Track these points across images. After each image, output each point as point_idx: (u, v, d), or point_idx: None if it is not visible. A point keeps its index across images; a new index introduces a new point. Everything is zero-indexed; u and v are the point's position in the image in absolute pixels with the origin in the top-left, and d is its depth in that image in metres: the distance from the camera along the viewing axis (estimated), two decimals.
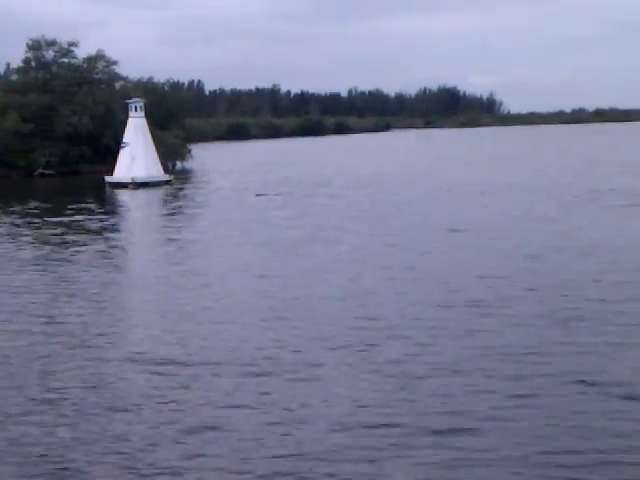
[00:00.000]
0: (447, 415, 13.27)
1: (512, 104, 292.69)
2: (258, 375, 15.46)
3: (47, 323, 20.17)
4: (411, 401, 13.93)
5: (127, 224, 43.59)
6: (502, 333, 17.84)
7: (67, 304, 22.29)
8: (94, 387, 15.18)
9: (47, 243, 34.50)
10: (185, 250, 31.50)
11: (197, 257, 29.85)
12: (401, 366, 15.70)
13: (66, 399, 14.55)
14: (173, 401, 14.28)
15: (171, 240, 34.44)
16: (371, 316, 19.66)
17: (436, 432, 12.65)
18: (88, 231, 38.04)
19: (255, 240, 32.75)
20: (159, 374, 15.79)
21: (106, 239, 35.46)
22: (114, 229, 39.52)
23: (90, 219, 42.61)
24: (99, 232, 37.66)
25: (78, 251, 31.72)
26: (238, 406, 13.95)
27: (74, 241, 34.61)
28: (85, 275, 26.53)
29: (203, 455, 12.10)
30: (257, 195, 51.72)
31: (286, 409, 13.77)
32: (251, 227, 36.90)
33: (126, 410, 13.96)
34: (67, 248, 32.68)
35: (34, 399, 14.59)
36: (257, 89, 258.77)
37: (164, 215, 46.10)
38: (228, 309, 21.08)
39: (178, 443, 12.54)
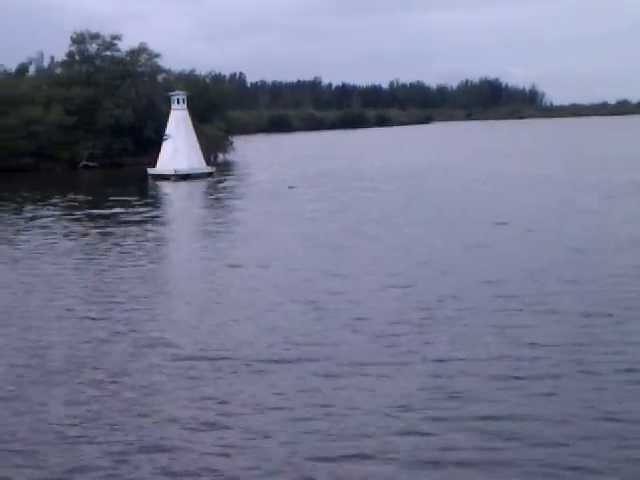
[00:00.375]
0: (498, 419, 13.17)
1: (554, 96, 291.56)
2: (314, 373, 15.21)
3: (90, 312, 20.39)
4: (453, 398, 13.82)
5: (169, 216, 43.80)
6: (545, 326, 17.68)
7: (108, 294, 22.50)
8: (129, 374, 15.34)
9: (90, 235, 34.81)
10: (226, 242, 31.61)
11: (238, 249, 29.88)
12: (444, 363, 15.52)
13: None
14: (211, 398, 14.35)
15: (212, 232, 34.59)
16: (414, 310, 19.50)
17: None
18: (131, 223, 38.29)
19: (296, 232, 32.73)
20: (194, 369, 15.85)
21: (149, 230, 35.69)
22: (157, 221, 39.75)
23: (133, 211, 42.89)
24: (142, 224, 37.90)
25: (120, 242, 31.94)
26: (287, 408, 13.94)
27: (117, 232, 34.84)
28: (127, 266, 26.75)
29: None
30: (290, 187, 51.80)
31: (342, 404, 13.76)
32: (291, 220, 36.92)
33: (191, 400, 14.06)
34: (110, 239, 32.91)
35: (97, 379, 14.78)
36: (299, 81, 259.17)
37: (205, 207, 46.34)
38: (270, 302, 20.94)
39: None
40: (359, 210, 39.64)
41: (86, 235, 34.62)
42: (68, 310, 20.81)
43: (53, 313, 20.54)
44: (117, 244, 31.64)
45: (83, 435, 12.66)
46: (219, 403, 13.81)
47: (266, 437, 12.37)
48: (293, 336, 17.55)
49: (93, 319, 19.81)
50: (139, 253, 29.47)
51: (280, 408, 13.48)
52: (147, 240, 32.72)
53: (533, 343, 16.51)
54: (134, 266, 26.81)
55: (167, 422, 13.07)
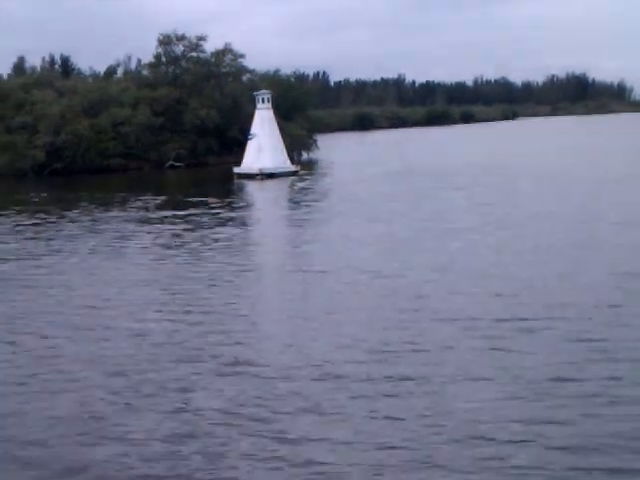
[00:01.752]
0: None
1: None
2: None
3: (181, 309, 20.84)
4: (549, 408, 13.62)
5: (255, 214, 44.29)
6: None
7: (195, 292, 22.94)
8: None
9: (178, 234, 35.47)
10: (311, 241, 31.78)
11: (324, 249, 30.01)
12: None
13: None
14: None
15: (298, 231, 34.88)
16: (521, 316, 18.74)
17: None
18: (217, 221, 38.85)
19: (381, 232, 32.63)
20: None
21: (235, 228, 36.19)
22: (243, 220, 40.22)
23: (220, 210, 43.47)
24: (228, 222, 38.41)
25: (207, 241, 32.49)
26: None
27: (204, 231, 35.43)
28: (213, 265, 27.15)
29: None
30: (373, 184, 51.97)
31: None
32: (377, 218, 36.90)
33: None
34: (196, 237, 33.51)
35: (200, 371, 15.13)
36: (382, 79, 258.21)
37: (291, 206, 46.69)
38: (355, 306, 20.95)
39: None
40: (446, 209, 39.52)
41: (177, 234, 35.23)
42: (162, 307, 21.32)
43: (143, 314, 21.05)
44: (204, 242, 32.16)
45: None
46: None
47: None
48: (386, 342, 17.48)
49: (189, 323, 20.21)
50: (226, 251, 29.91)
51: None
52: (234, 239, 33.17)
53: None
54: (220, 265, 27.22)
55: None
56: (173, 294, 22.82)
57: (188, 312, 20.53)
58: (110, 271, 26.79)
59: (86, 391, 14.93)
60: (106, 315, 20.56)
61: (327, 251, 29.31)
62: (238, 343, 17.54)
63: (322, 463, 11.69)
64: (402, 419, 13.03)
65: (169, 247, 31.63)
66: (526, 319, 18.39)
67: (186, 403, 14.15)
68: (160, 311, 20.87)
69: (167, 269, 26.99)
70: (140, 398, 14.43)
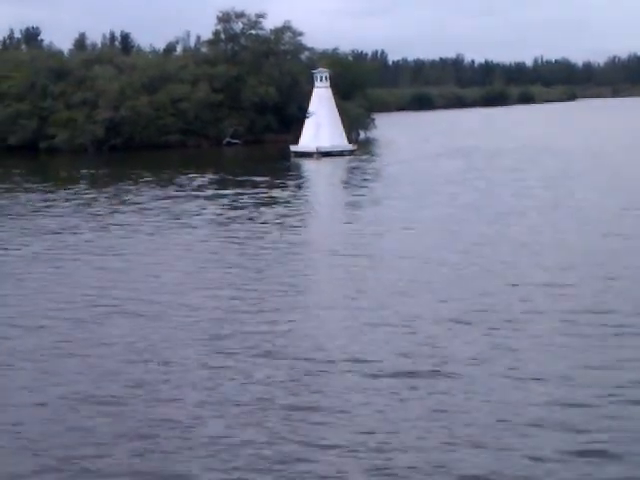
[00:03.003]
0: None
1: None
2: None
3: (228, 285, 21.00)
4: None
5: (311, 193, 44.32)
6: None
7: (244, 270, 23.07)
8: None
9: (232, 208, 35.71)
10: (368, 222, 31.64)
11: (381, 230, 29.92)
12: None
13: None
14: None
15: (353, 210, 34.80)
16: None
17: None
18: (273, 198, 38.98)
19: (439, 214, 32.43)
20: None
21: (290, 207, 36.25)
22: (299, 197, 40.32)
23: (275, 187, 43.60)
24: (283, 200, 38.50)
25: (260, 219, 32.65)
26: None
27: (258, 208, 35.61)
28: (265, 246, 27.09)
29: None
30: (430, 163, 51.72)
31: None
32: (433, 199, 36.69)
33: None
34: (250, 215, 33.73)
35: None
36: (441, 59, 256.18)
37: (347, 185, 46.62)
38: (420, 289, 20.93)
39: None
40: (508, 191, 39.25)
41: (231, 209, 35.46)
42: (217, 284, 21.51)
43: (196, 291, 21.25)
44: (259, 220, 32.29)
45: None
46: None
47: None
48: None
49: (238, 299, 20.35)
50: (278, 231, 30.01)
51: None
52: (289, 217, 33.28)
53: None
54: (272, 246, 27.33)
55: None
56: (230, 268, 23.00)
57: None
58: (171, 247, 27.13)
59: None
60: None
61: (386, 233, 29.15)
62: (307, 335, 17.61)
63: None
64: None
65: (224, 224, 31.72)
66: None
67: None
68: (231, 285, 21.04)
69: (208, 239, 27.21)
70: None
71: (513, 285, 19.98)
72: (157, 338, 16.56)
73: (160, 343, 16.22)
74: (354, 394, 13.24)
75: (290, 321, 17.53)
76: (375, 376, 14.02)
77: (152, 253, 25.98)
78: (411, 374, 14.05)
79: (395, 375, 14.03)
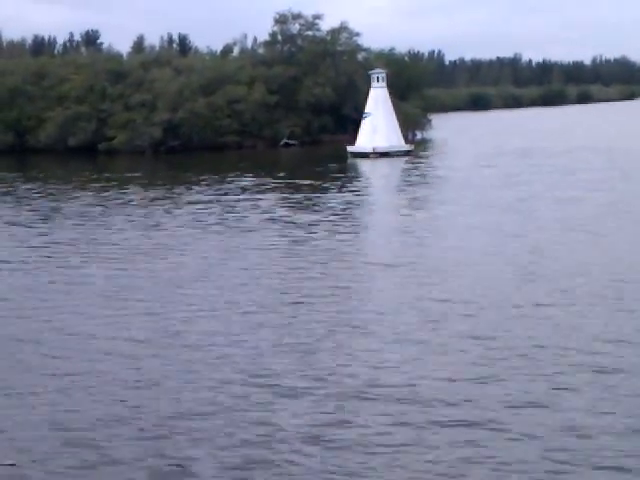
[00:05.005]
0: None
1: None
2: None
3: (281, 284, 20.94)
4: None
5: (368, 193, 44.13)
6: None
7: (298, 268, 23.04)
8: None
9: (290, 208, 35.69)
10: (425, 223, 31.36)
11: (441, 232, 29.72)
12: None
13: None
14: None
15: (410, 212, 34.48)
16: None
17: None
18: (329, 199, 38.83)
19: (498, 219, 31.84)
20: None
21: (347, 208, 36.09)
22: (356, 198, 40.15)
23: (332, 188, 43.50)
24: (340, 201, 38.31)
25: (315, 218, 32.64)
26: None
27: (314, 209, 35.56)
28: (323, 243, 27.15)
29: None
30: (488, 165, 51.26)
31: None
32: (492, 202, 36.05)
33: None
34: (306, 214, 33.70)
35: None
36: (498, 58, 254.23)
37: (404, 186, 46.28)
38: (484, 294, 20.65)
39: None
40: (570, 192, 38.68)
41: (289, 210, 35.43)
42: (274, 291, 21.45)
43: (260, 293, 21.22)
44: (313, 220, 32.23)
45: None
46: None
47: None
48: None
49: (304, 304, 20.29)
50: (335, 229, 29.93)
51: None
52: (345, 218, 33.22)
53: None
54: (329, 245, 27.24)
55: None
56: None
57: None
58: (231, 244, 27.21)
59: None
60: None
61: (445, 236, 28.83)
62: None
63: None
64: None
65: (279, 227, 31.47)
66: None
67: None
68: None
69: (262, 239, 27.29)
70: None
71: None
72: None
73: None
74: None
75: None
76: None
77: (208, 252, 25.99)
78: None
79: None
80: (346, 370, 14.32)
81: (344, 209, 35.82)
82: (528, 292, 19.18)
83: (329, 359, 14.96)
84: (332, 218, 32.85)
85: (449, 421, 12.04)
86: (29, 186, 49.63)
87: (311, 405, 12.84)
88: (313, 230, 30.00)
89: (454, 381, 13.60)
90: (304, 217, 33.31)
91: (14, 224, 34.42)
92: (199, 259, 24.94)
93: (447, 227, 30.14)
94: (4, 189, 48.44)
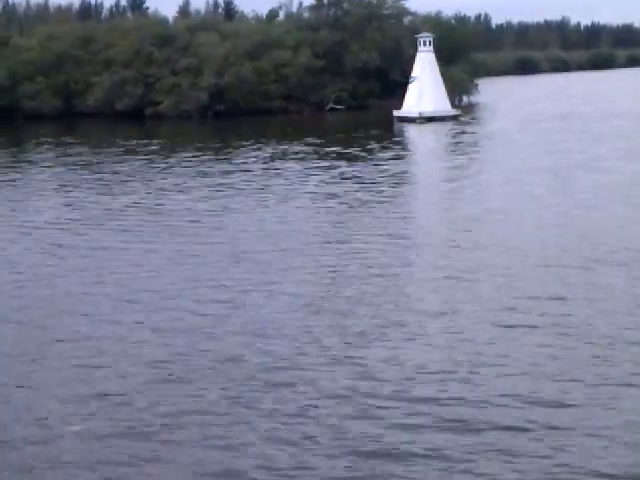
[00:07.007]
0: None
1: None
2: None
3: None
4: None
5: (414, 159, 44.09)
6: None
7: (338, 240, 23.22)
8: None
9: (332, 175, 35.76)
10: (470, 189, 31.23)
11: (487, 197, 29.65)
12: None
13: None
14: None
15: (456, 177, 34.39)
16: None
17: None
18: (375, 166, 38.72)
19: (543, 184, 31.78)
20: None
21: (393, 175, 35.94)
22: (402, 164, 40.13)
23: (378, 153, 43.46)
24: (386, 167, 38.20)
25: (359, 186, 32.69)
26: None
27: (359, 175, 35.56)
28: (367, 214, 27.12)
29: None
30: (535, 130, 50.81)
31: None
32: (540, 167, 35.98)
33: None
34: (349, 182, 33.80)
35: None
36: (545, 22, 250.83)
37: (450, 151, 46.10)
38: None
39: None
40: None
41: (334, 177, 35.51)
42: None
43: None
44: (357, 187, 32.28)
45: None
46: None
47: None
48: None
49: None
50: (381, 199, 29.97)
51: None
52: (390, 186, 33.21)
53: None
54: (375, 213, 27.32)
55: None
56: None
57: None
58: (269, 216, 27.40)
59: None
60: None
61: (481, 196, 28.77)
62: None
63: None
64: None
65: (325, 197, 31.01)
66: None
67: None
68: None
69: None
70: None
71: None
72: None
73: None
74: None
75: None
76: None
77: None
78: None
79: None
80: None
81: (386, 173, 35.76)
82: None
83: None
84: (369, 183, 32.84)
85: None
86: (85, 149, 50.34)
87: None
88: (349, 195, 29.95)
89: None
90: (350, 186, 32.92)
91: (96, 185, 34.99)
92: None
93: (496, 195, 29.96)
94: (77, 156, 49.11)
